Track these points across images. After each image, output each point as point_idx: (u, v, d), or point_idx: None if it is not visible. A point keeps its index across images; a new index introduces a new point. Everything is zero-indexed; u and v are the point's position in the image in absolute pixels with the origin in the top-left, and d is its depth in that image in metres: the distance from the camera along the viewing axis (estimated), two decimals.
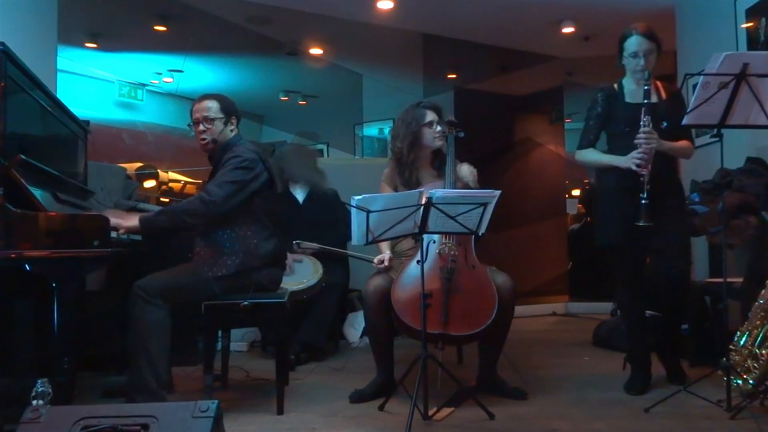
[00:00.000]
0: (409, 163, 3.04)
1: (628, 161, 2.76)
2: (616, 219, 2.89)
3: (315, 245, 3.93)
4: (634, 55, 2.82)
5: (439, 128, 3.04)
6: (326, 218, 4.07)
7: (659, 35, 2.88)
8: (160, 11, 5.31)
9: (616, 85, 2.98)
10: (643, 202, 2.68)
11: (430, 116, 3.05)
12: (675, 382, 2.91)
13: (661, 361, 3.03)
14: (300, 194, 4.25)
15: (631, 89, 2.91)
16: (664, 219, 2.82)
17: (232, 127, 2.85)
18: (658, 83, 2.94)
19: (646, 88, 2.73)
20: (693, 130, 2.98)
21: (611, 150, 2.94)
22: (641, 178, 2.71)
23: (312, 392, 3.07)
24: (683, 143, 2.90)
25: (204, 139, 2.81)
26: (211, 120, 2.79)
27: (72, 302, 2.20)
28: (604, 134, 3.03)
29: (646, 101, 2.72)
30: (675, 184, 2.98)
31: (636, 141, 2.72)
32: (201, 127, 2.80)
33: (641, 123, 2.72)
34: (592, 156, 2.98)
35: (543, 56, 6.12)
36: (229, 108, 2.85)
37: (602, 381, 3.17)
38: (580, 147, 3.02)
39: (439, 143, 3.06)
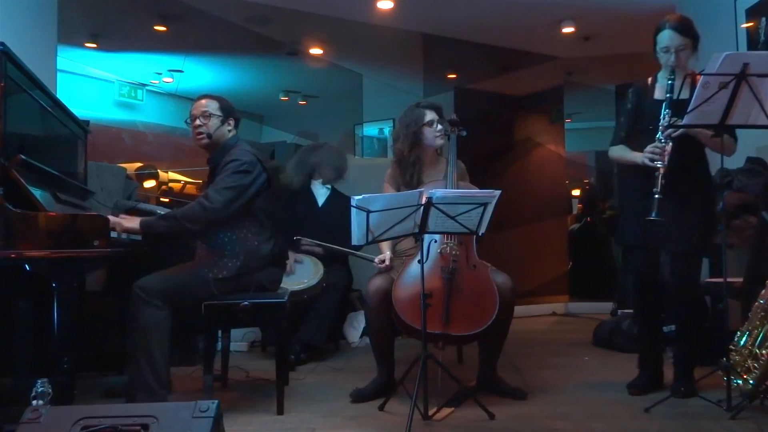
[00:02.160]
0: (410, 164, 3.05)
1: (642, 156, 2.71)
2: (635, 219, 2.82)
3: (315, 242, 3.92)
4: (666, 50, 2.74)
5: (440, 127, 3.05)
6: (342, 223, 3.99)
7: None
8: (160, 11, 5.30)
9: (650, 80, 2.90)
10: (657, 196, 2.60)
11: (430, 115, 3.05)
12: (676, 392, 2.77)
13: (673, 366, 2.93)
14: (321, 196, 4.25)
15: (664, 84, 2.81)
16: (683, 219, 2.75)
17: (230, 127, 2.86)
18: (698, 77, 2.77)
19: (670, 82, 2.68)
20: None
21: (636, 148, 2.85)
22: (656, 173, 2.64)
23: (312, 392, 3.07)
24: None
25: (200, 134, 2.81)
26: (208, 116, 2.80)
27: (72, 302, 2.20)
28: None
29: (668, 95, 2.67)
30: (700, 183, 2.86)
31: (661, 125, 2.66)
32: (198, 122, 2.81)
33: (661, 116, 2.67)
34: (619, 153, 2.92)
35: (543, 56, 6.12)
36: (228, 108, 2.86)
37: (602, 381, 3.17)
38: (611, 144, 2.98)
39: (440, 141, 3.07)
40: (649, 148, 2.69)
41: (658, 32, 2.78)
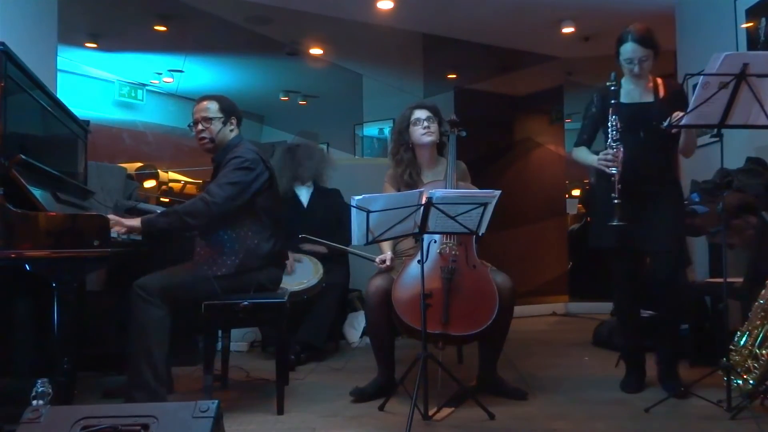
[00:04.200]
0: (404, 163, 3.07)
1: (597, 162, 2.81)
2: (605, 221, 2.86)
3: (319, 241, 3.91)
4: (629, 61, 2.84)
5: (426, 124, 3.04)
6: (330, 220, 4.04)
7: (659, 35, 2.87)
8: (160, 11, 5.31)
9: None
10: (615, 201, 2.69)
11: (418, 114, 3.07)
12: (667, 389, 2.81)
13: (656, 364, 2.98)
14: (304, 196, 4.25)
15: (628, 89, 2.91)
16: (656, 219, 2.83)
17: (232, 127, 2.86)
18: (659, 81, 2.94)
19: (613, 88, 2.78)
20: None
21: (606, 149, 2.91)
22: (612, 178, 2.72)
23: (312, 392, 3.07)
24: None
25: (203, 139, 2.83)
26: (210, 120, 2.80)
27: (72, 302, 2.20)
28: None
29: (613, 101, 2.77)
30: (670, 183, 2.95)
31: (611, 129, 2.76)
32: (200, 127, 2.82)
33: (608, 123, 2.76)
34: (581, 155, 3.03)
35: (543, 56, 6.12)
36: (229, 108, 2.86)
37: (602, 381, 3.17)
38: (575, 145, 3.08)
39: (426, 139, 3.05)
40: (601, 154, 2.78)
41: (621, 44, 2.86)
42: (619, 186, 2.69)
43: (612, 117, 2.75)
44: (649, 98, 2.89)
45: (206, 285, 2.67)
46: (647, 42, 2.82)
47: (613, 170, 2.72)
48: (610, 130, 2.76)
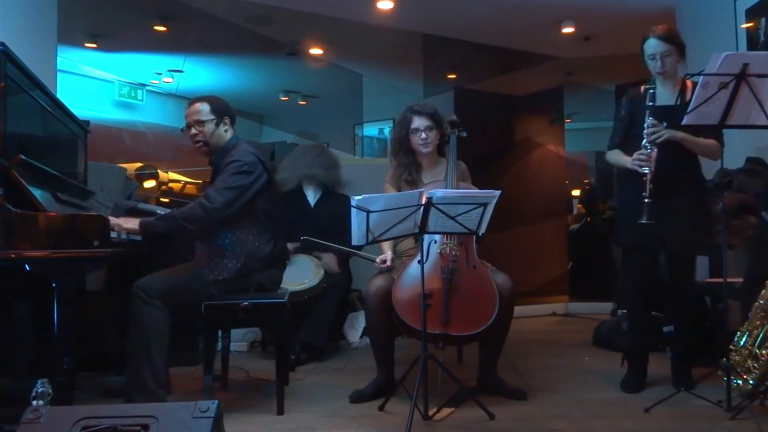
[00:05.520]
0: (405, 165, 3.08)
1: (631, 162, 2.81)
2: (633, 220, 2.84)
3: (321, 243, 3.91)
4: (652, 57, 2.86)
5: (424, 135, 3.02)
6: (336, 223, 3.98)
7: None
8: (160, 11, 5.31)
9: (642, 87, 2.98)
10: (646, 200, 2.70)
11: (416, 123, 3.04)
12: (677, 386, 2.85)
13: (671, 365, 3.02)
14: (312, 196, 4.25)
15: (657, 91, 2.88)
16: (679, 221, 2.83)
17: (226, 127, 2.84)
18: (689, 83, 2.92)
19: (651, 91, 2.78)
20: (722, 132, 2.87)
21: (630, 152, 2.91)
22: (644, 178, 2.73)
23: (312, 392, 3.07)
24: (707, 140, 2.85)
25: (197, 142, 2.82)
26: (202, 123, 2.79)
27: (72, 302, 2.20)
28: None
29: (650, 104, 2.77)
30: (694, 185, 2.95)
31: (645, 132, 2.76)
32: (193, 131, 2.80)
33: (645, 125, 2.76)
34: (614, 157, 3.04)
35: (543, 56, 6.12)
36: (220, 108, 2.83)
37: (602, 381, 3.17)
38: (609, 148, 3.10)
39: (424, 150, 3.06)
40: (635, 155, 2.80)
41: (645, 41, 2.89)
42: (651, 186, 2.71)
43: (648, 119, 2.76)
44: (678, 100, 2.87)
45: (206, 289, 2.66)
46: (669, 38, 2.84)
47: (646, 170, 2.74)
48: (645, 131, 2.77)
